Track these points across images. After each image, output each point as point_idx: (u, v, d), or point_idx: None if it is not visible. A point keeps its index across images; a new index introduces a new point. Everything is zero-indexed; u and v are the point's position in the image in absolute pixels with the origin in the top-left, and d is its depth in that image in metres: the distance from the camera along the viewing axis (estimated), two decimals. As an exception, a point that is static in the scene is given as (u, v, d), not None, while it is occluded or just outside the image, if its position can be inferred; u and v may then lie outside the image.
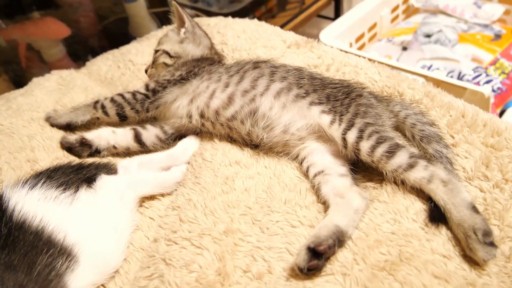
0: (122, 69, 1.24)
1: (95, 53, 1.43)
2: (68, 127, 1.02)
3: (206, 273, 0.68)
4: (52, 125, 1.02)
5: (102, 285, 0.74)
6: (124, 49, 1.34)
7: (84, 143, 0.95)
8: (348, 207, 0.73)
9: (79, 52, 1.66)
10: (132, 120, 1.01)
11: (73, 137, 0.96)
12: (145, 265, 0.73)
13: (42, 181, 0.79)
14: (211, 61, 1.05)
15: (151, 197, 0.88)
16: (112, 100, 0.99)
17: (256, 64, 0.95)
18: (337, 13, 2.31)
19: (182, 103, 0.95)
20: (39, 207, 0.74)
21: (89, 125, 1.02)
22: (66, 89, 1.17)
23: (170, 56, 1.08)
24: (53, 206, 0.75)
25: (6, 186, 0.77)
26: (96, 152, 0.96)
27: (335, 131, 0.82)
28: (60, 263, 0.69)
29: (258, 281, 0.68)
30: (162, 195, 0.88)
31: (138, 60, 1.25)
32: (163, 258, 0.71)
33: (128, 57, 1.27)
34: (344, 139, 0.81)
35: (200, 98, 0.93)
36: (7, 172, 0.89)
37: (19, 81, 1.45)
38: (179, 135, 0.99)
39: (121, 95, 1.00)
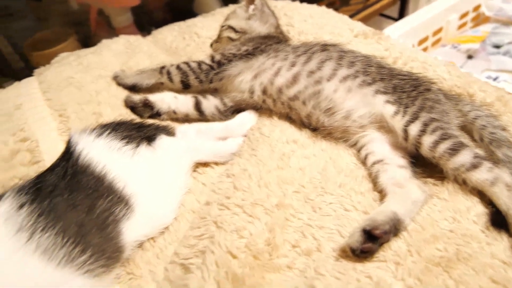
0: (187, 40, 1.26)
1: (158, 25, 1.46)
2: (133, 88, 1.05)
3: (256, 241, 0.68)
4: (119, 84, 1.06)
5: (152, 238, 0.76)
6: (190, 22, 1.36)
7: (147, 104, 0.98)
8: (406, 197, 0.71)
9: (144, 22, 1.71)
10: (194, 89, 1.03)
11: (137, 97, 0.99)
12: (195, 225, 0.75)
13: (108, 132, 0.82)
14: (277, 39, 1.06)
15: (205, 164, 0.89)
16: (178, 67, 1.02)
17: (324, 47, 0.94)
18: (402, 14, 2.25)
19: (245, 78, 0.96)
20: (103, 155, 0.77)
21: (152, 89, 1.05)
22: (132, 53, 1.21)
23: (236, 31, 1.09)
24: (116, 156, 0.78)
25: (75, 132, 0.80)
26: (157, 115, 0.99)
27: (397, 122, 0.81)
28: (117, 209, 0.72)
29: (306, 257, 0.68)
30: (216, 163, 0.89)
31: (203, 33, 1.27)
32: (214, 221, 0.72)
33: (194, 30, 1.29)
34: (405, 131, 0.79)
35: (264, 75, 0.93)
36: (74, 122, 0.93)
37: (87, 43, 1.51)
38: (237, 109, 1.00)
39: (187, 63, 1.02)
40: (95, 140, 0.79)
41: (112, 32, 1.60)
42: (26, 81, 1.12)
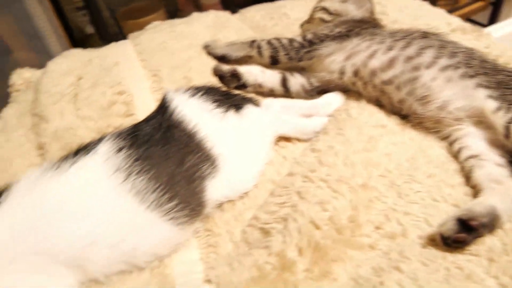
0: (275, 20, 1.27)
1: (243, 6, 1.47)
2: (222, 59, 1.07)
3: (339, 216, 0.68)
4: (209, 53, 1.08)
5: (231, 201, 0.78)
6: (279, 3, 1.37)
7: (235, 75, 1.00)
8: (506, 193, 0.67)
9: (230, 2, 1.74)
10: (282, 66, 1.03)
11: (226, 67, 1.01)
12: (277, 193, 0.75)
13: (200, 93, 0.84)
14: (372, 24, 1.03)
15: (286, 139, 0.89)
16: (269, 42, 1.02)
17: (425, 34, 0.91)
18: (492, 20, 2.13)
19: (337, 59, 0.95)
20: (195, 114, 0.79)
21: (239, 62, 1.06)
22: (221, 27, 1.23)
23: (329, 13, 1.08)
24: (207, 117, 0.80)
25: (170, 90, 0.84)
26: (243, 86, 1.00)
27: (499, 119, 0.76)
28: (204, 167, 0.74)
29: (390, 240, 0.66)
30: (297, 139, 0.89)
31: (292, 14, 1.27)
32: (297, 191, 0.72)
33: (283, 11, 1.29)
34: (507, 129, 0.74)
35: (358, 56, 0.91)
36: (166, 83, 0.96)
37: (174, 17, 1.56)
38: (323, 90, 0.99)
39: (278, 39, 1.02)
40: (189, 100, 0.82)
41: (197, 9, 1.64)
42: (121, 43, 1.18)
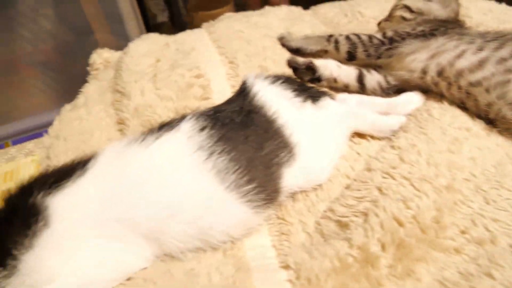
0: (349, 18, 1.25)
1: (309, 4, 1.46)
2: (296, 52, 1.07)
3: (423, 215, 0.65)
4: (283, 45, 1.08)
5: (304, 192, 0.76)
6: (353, 2, 1.35)
7: (310, 68, 0.99)
8: None
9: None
10: (358, 62, 1.01)
11: (301, 60, 1.00)
12: (354, 188, 0.73)
13: (281, 81, 0.84)
14: (458, 25, 0.99)
15: (361, 135, 0.87)
16: (348, 37, 1.01)
17: (520, 37, 0.86)
18: None
19: (419, 57, 0.91)
20: (276, 101, 0.79)
21: (314, 56, 1.05)
22: (295, 21, 1.23)
23: (411, 11, 1.05)
24: (286, 105, 0.80)
25: (250, 75, 0.84)
26: (317, 79, 0.99)
27: None
28: (282, 154, 0.74)
29: (477, 245, 0.62)
30: (372, 137, 0.87)
31: (367, 12, 1.25)
32: (378, 187, 0.70)
33: (357, 9, 1.27)
34: None
35: (443, 56, 0.88)
36: (242, 70, 0.97)
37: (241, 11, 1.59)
38: (399, 89, 0.96)
39: (357, 35, 1.00)
40: (269, 86, 0.82)
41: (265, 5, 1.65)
42: (196, 31, 1.20)
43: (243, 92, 0.81)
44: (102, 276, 0.63)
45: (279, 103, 0.79)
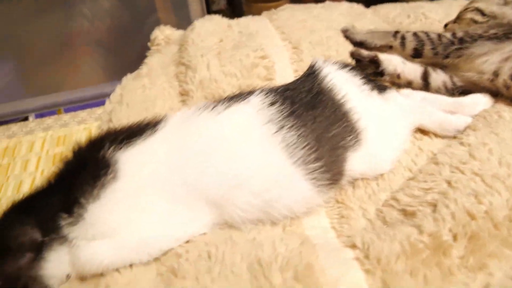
0: (411, 19, 1.23)
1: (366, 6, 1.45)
2: (360, 45, 1.05)
3: (496, 212, 0.62)
4: (347, 37, 1.08)
5: (365, 180, 0.75)
6: (414, 4, 1.33)
7: (374, 61, 0.98)
8: None
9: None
10: (424, 60, 0.99)
11: (365, 52, 0.99)
12: (421, 179, 0.71)
13: (349, 68, 0.83)
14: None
15: (423, 132, 0.85)
16: (415, 34, 0.99)
17: None
18: None
19: (491, 59, 0.89)
20: (344, 86, 0.78)
21: (377, 51, 1.04)
22: (356, 17, 1.22)
23: (483, 15, 1.02)
24: (355, 91, 0.79)
25: (319, 59, 0.83)
26: (379, 74, 0.98)
27: None
28: (348, 138, 0.73)
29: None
30: (435, 135, 0.85)
31: (431, 15, 1.22)
32: (447, 180, 0.68)
33: (421, 11, 1.25)
34: None
35: (518, 59, 0.85)
36: (307, 56, 0.97)
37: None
38: (464, 91, 0.94)
39: (425, 32, 0.98)
40: (338, 71, 0.81)
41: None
42: (257, 17, 1.21)
43: (311, 74, 0.80)
44: (162, 237, 0.64)
45: (348, 88, 0.78)
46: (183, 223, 0.65)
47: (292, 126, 0.68)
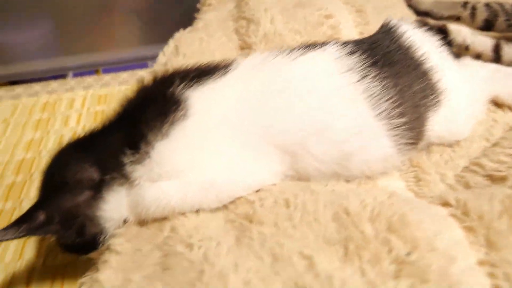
0: None
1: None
2: (425, 15, 1.01)
3: None
4: (411, 6, 1.03)
5: (441, 147, 0.70)
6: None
7: (442, 31, 0.92)
8: None
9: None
10: (494, 33, 0.93)
11: (432, 21, 0.94)
12: (506, 145, 0.66)
13: (427, 27, 0.78)
14: None
15: (497, 104, 0.80)
16: (488, 5, 0.94)
17: None
18: None
19: None
20: (423, 44, 0.73)
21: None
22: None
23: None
24: (433, 51, 0.74)
25: (393, 18, 0.78)
26: (447, 44, 0.92)
27: None
28: (430, 97, 0.68)
29: None
30: (510, 108, 0.79)
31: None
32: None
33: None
34: None
35: None
36: (372, 19, 0.91)
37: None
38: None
39: (499, 3, 0.93)
40: (416, 29, 0.76)
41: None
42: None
43: (387, 31, 0.75)
44: (232, 181, 0.59)
45: (427, 47, 0.73)
46: (253, 171, 0.60)
47: (375, 76, 0.63)
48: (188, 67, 0.66)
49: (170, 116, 0.59)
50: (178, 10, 1.44)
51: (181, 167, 0.58)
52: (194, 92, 0.61)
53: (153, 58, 1.39)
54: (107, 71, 1.31)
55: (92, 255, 0.68)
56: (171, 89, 0.61)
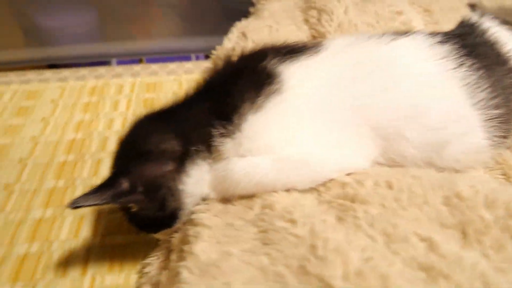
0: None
1: None
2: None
3: None
4: (473, 10, 1.02)
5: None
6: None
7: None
8: None
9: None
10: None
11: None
12: None
13: (508, 26, 0.76)
14: None
15: None
16: (556, 12, 0.93)
17: None
18: None
19: None
20: (509, 41, 0.71)
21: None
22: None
23: None
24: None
25: (473, 15, 0.77)
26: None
27: None
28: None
29: None
30: None
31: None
32: None
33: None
34: None
35: None
36: (441, 19, 0.90)
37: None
38: None
39: None
40: (499, 26, 0.74)
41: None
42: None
43: (470, 27, 0.74)
44: (325, 161, 0.56)
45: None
46: (348, 153, 0.58)
47: (471, 65, 0.61)
48: (279, 44, 0.64)
49: (265, 89, 0.57)
50: (220, 2, 1.43)
51: (273, 143, 0.56)
52: (287, 68, 0.59)
53: (196, 51, 1.39)
54: (150, 61, 1.29)
55: (158, 235, 0.65)
56: (264, 63, 0.59)
